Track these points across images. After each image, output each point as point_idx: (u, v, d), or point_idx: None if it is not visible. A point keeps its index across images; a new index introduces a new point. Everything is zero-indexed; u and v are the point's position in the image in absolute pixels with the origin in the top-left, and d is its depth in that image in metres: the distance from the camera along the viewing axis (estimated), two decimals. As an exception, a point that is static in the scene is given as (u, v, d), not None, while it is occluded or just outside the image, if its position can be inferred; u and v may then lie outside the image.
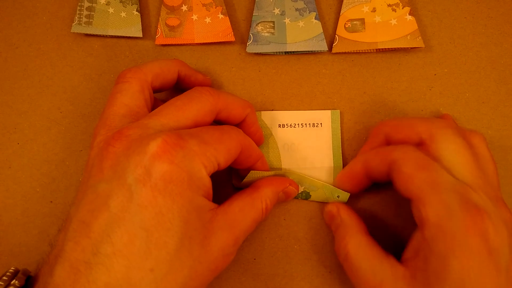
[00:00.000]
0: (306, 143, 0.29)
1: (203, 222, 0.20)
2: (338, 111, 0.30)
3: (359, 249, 0.23)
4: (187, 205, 0.19)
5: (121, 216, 0.18)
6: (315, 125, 0.29)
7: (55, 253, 0.19)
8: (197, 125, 0.23)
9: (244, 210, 0.23)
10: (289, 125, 0.29)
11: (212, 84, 0.30)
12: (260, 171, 0.26)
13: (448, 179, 0.21)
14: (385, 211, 0.28)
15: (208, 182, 0.21)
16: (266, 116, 0.30)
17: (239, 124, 0.26)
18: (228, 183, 0.29)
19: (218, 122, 0.25)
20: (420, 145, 0.24)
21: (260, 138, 0.28)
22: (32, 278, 0.21)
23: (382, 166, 0.24)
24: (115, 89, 0.24)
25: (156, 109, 0.23)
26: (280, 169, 0.29)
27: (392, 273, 0.22)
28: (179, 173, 0.19)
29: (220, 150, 0.21)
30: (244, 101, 0.26)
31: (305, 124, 0.29)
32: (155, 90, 0.26)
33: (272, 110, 0.30)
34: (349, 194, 0.27)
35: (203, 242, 0.20)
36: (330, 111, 0.30)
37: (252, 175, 0.26)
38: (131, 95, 0.23)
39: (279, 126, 0.29)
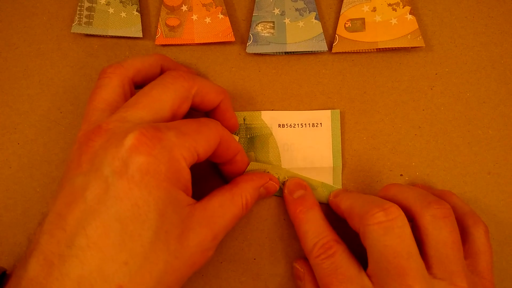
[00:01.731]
0: (306, 143, 0.29)
1: (180, 216, 0.20)
2: (338, 110, 0.30)
3: None
4: (163, 197, 0.19)
5: (97, 208, 0.18)
6: (315, 125, 0.29)
7: (31, 247, 0.19)
8: (175, 114, 0.23)
9: (223, 205, 0.23)
10: (289, 125, 0.29)
11: None
12: (260, 163, 0.26)
13: (421, 272, 0.21)
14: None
15: (187, 174, 0.21)
16: (266, 116, 0.30)
17: (213, 110, 0.26)
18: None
19: (192, 108, 0.25)
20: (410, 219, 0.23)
21: (234, 124, 0.27)
22: (7, 274, 0.21)
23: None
24: (96, 85, 0.24)
25: (132, 99, 0.22)
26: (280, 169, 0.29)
27: None
28: (157, 165, 0.19)
29: (199, 140, 0.21)
30: (219, 86, 0.25)
31: (305, 124, 0.29)
32: (139, 85, 0.26)
33: (272, 110, 0.30)
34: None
35: (180, 236, 0.20)
36: (330, 110, 0.30)
37: (252, 167, 0.26)
38: (110, 90, 0.23)
39: (279, 126, 0.29)
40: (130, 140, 0.19)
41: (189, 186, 0.21)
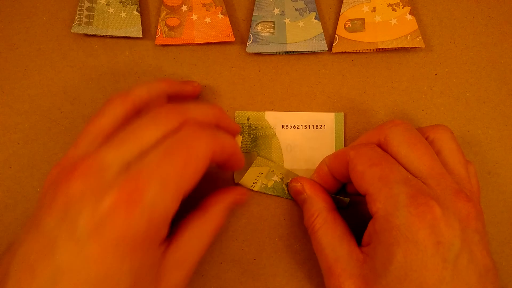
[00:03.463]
0: (309, 144, 0.29)
1: (153, 270, 0.20)
2: (342, 113, 0.30)
3: (324, 225, 0.24)
4: (139, 261, 0.18)
5: (67, 269, 0.17)
6: (319, 127, 0.29)
7: None
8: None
9: (196, 237, 0.22)
10: (292, 126, 0.29)
11: (209, 86, 0.30)
12: (265, 160, 0.27)
13: (400, 173, 0.22)
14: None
15: (167, 227, 0.20)
16: (270, 117, 0.30)
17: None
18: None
19: None
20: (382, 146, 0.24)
21: (236, 129, 0.26)
22: None
23: (342, 167, 0.25)
24: (99, 110, 0.23)
25: (119, 136, 0.20)
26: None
27: (348, 254, 0.23)
28: (136, 227, 0.18)
29: (184, 179, 0.20)
30: (210, 110, 0.24)
31: (309, 125, 0.29)
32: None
33: (272, 110, 0.30)
34: (348, 199, 0.27)
35: (155, 286, 0.20)
36: (334, 113, 0.30)
37: (258, 162, 0.27)
38: (111, 119, 0.23)
39: (283, 126, 0.29)
40: (109, 200, 0.18)
41: (167, 230, 0.20)
